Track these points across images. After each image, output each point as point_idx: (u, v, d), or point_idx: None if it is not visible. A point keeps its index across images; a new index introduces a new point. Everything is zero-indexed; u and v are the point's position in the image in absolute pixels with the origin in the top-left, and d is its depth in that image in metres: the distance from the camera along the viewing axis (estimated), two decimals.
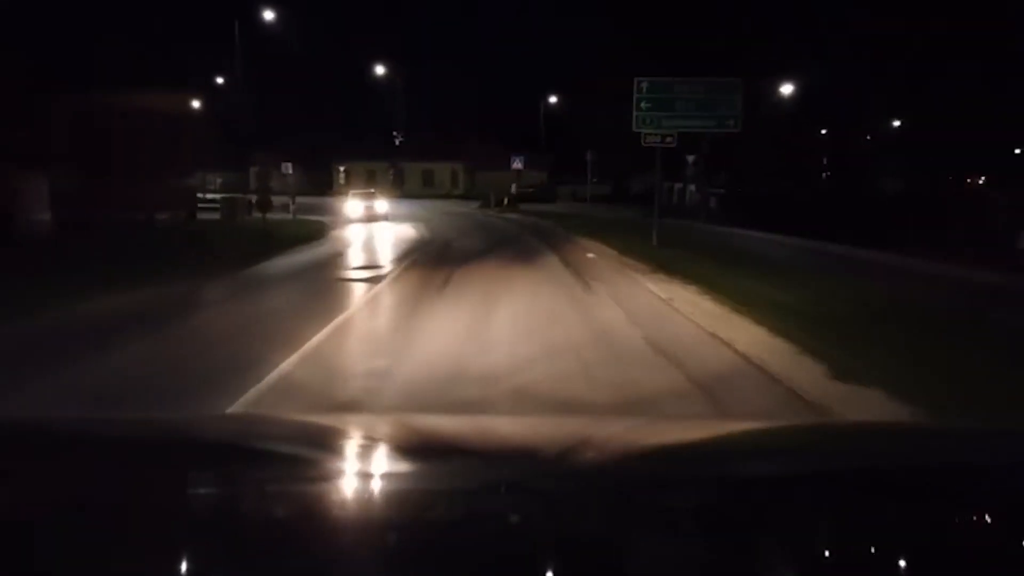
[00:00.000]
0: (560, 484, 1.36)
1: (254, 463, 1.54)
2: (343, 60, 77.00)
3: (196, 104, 38.58)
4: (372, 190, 35.98)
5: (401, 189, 62.38)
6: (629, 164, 48.09)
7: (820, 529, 1.19)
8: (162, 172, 26.64)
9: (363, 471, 1.50)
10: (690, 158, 32.96)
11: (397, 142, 62.23)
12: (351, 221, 28.92)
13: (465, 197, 53.68)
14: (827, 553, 1.11)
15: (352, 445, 1.76)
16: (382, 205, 31.79)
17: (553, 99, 58.37)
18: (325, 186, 63.20)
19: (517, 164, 37.32)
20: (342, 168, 67.91)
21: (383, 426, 2.11)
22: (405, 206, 39.76)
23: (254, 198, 30.63)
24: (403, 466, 1.59)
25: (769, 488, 1.36)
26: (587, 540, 1.10)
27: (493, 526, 1.16)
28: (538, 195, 47.50)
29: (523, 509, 1.23)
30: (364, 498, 1.30)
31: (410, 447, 1.76)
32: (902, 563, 1.04)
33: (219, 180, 75.55)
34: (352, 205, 31.46)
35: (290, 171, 42.42)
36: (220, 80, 53.30)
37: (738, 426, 2.41)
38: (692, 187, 36.75)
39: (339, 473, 1.48)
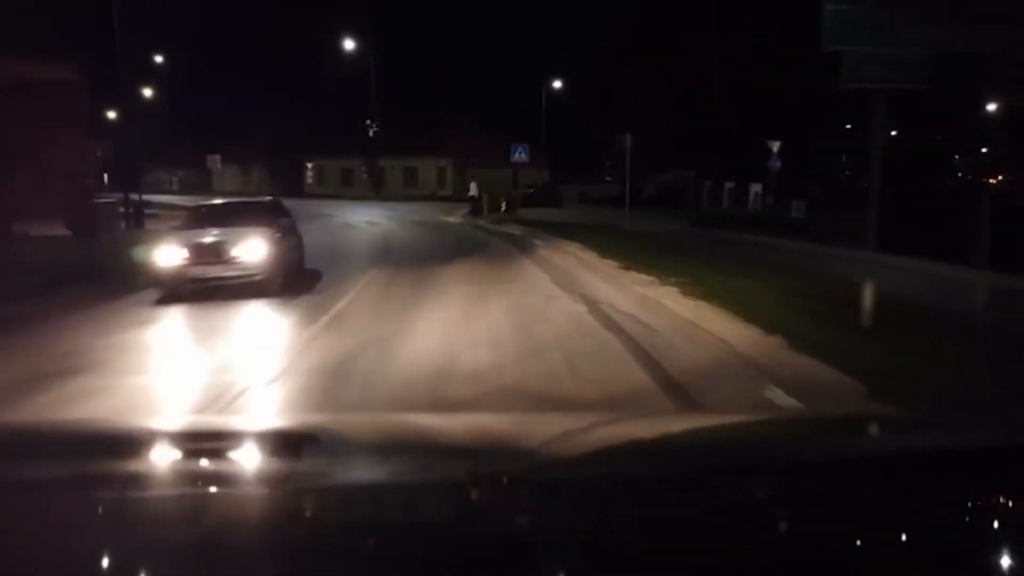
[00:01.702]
0: (560, 476, 1.36)
1: (248, 463, 1.52)
2: (316, 38, 66.16)
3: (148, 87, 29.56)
4: (266, 198, 15.60)
5: (379, 191, 52.93)
6: (657, 152, 38.22)
7: (818, 520, 1.16)
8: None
9: (359, 469, 1.47)
10: (774, 145, 23.18)
11: (371, 132, 51.39)
12: (160, 280, 10.77)
13: (454, 198, 43.62)
14: (823, 544, 1.07)
15: (345, 444, 1.71)
16: (255, 247, 10.72)
17: (557, 84, 48.56)
18: (293, 186, 54.18)
19: (520, 156, 27.04)
20: (309, 165, 58.61)
21: (377, 425, 2.08)
22: (369, 213, 30.41)
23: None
24: (403, 462, 1.53)
25: (765, 480, 1.35)
26: (589, 532, 1.08)
27: (496, 518, 1.15)
28: (540, 197, 37.89)
29: (526, 502, 1.22)
30: (359, 495, 1.27)
31: (407, 444, 1.71)
32: (896, 552, 1.04)
33: (174, 179, 66.23)
34: (166, 251, 10.71)
35: (218, 165, 32.29)
36: (159, 59, 43.43)
37: (731, 420, 2.37)
38: (758, 188, 27.00)
39: (334, 470, 1.45)
